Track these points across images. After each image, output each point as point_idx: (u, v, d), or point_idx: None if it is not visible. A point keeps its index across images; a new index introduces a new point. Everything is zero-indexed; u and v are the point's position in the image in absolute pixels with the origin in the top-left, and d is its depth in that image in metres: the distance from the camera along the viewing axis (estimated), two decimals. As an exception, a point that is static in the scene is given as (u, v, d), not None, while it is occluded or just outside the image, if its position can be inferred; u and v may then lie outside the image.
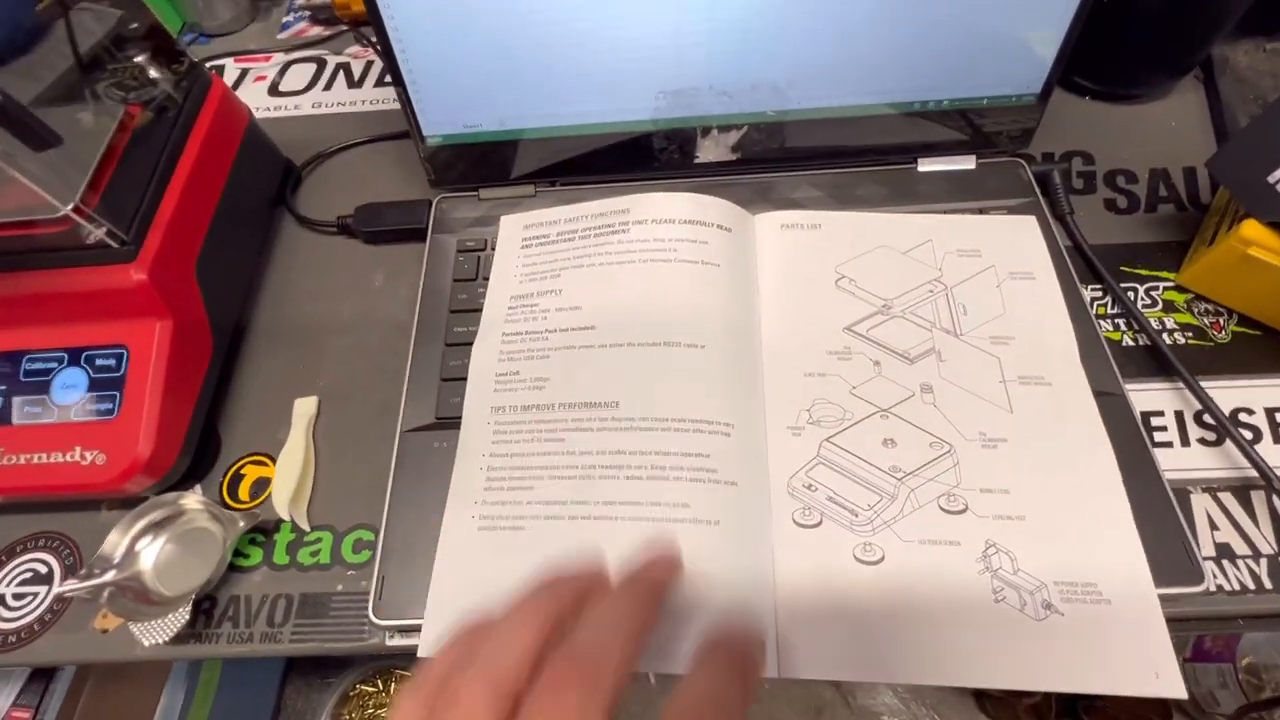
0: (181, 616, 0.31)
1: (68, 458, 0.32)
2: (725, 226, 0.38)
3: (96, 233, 0.32)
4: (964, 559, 0.30)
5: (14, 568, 0.35)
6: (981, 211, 0.40)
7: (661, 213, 0.38)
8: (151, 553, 0.33)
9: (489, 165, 0.42)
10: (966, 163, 0.42)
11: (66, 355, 0.34)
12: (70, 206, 0.30)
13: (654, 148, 0.41)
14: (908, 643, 0.28)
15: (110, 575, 0.32)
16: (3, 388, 0.34)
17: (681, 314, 0.35)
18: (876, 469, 0.32)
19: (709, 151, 0.41)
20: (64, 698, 0.70)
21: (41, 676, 0.69)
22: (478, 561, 0.31)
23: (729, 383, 0.34)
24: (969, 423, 0.33)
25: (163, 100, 0.37)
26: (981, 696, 1.00)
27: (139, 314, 0.33)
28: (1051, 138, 0.43)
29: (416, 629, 0.30)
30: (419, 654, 0.29)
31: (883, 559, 0.30)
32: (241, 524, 0.33)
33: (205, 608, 0.33)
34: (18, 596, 0.34)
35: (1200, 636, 0.93)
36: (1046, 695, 0.89)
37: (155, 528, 0.33)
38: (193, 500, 0.34)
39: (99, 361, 0.34)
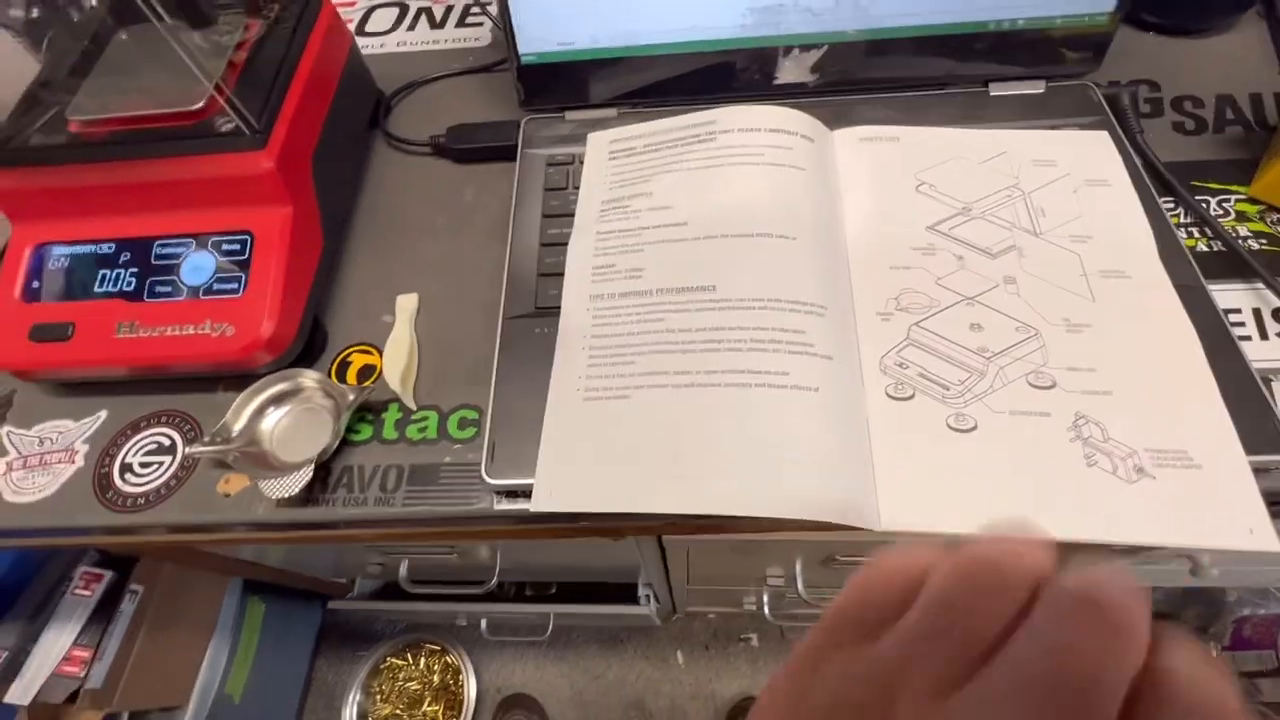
0: (305, 475, 0.33)
1: (198, 330, 0.34)
2: (808, 136, 0.40)
3: (230, 121, 0.35)
4: (1055, 428, 0.31)
5: (140, 439, 0.37)
6: (1054, 129, 0.41)
7: (747, 122, 0.40)
8: (271, 422, 0.35)
9: (574, 88, 0.44)
10: (1037, 86, 0.43)
11: (195, 240, 0.36)
12: (212, 85, 0.33)
13: (735, 68, 0.43)
14: (1004, 501, 0.29)
15: (235, 441, 0.34)
16: (136, 270, 0.36)
17: (771, 210, 0.37)
18: (965, 349, 0.33)
19: (789, 73, 0.43)
20: (121, 640, 0.72)
21: (100, 619, 0.71)
22: (585, 427, 0.32)
23: (820, 270, 0.35)
24: (1053, 310, 0.34)
25: (279, 14, 0.40)
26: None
27: (265, 201, 0.36)
28: (1117, 69, 0.45)
29: (526, 491, 0.32)
30: (531, 509, 0.31)
31: (975, 427, 0.31)
32: (352, 397, 0.35)
33: (320, 476, 0.35)
34: (144, 465, 0.36)
35: (1239, 624, 0.92)
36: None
37: (275, 401, 0.35)
38: (310, 377, 0.36)
39: (225, 246, 0.36)
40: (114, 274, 0.36)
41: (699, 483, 0.30)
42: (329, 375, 0.38)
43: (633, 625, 1.10)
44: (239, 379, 0.37)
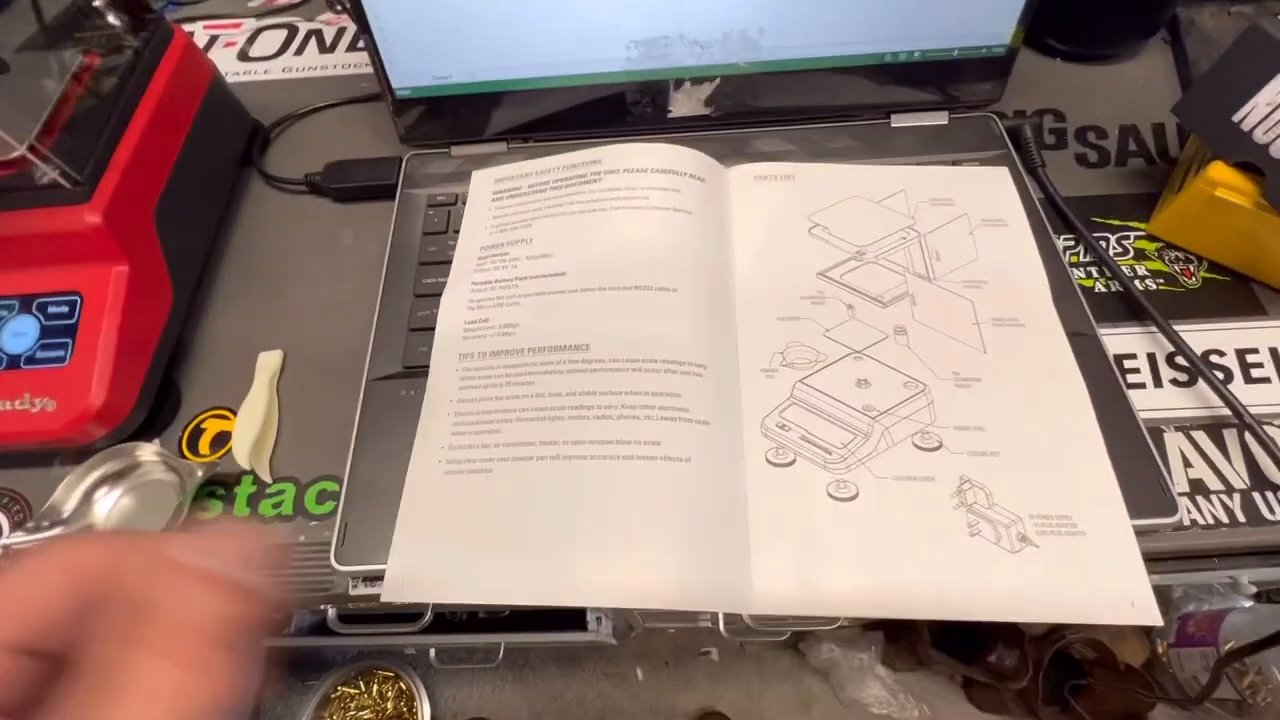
0: None
1: (16, 405, 0.31)
2: (698, 176, 0.38)
3: (50, 173, 0.31)
4: (939, 494, 0.29)
5: (12, 535, 0.33)
6: (954, 164, 0.40)
7: (634, 162, 0.38)
8: (106, 505, 0.32)
9: (459, 122, 0.41)
10: (939, 118, 0.42)
11: (17, 302, 0.33)
12: (25, 145, 0.29)
13: (626, 101, 0.41)
14: (884, 577, 0.28)
15: (61, 529, 0.31)
16: (-51, 336, 0.32)
17: (653, 259, 0.35)
18: (850, 408, 0.31)
19: (682, 106, 0.41)
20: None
21: None
22: (444, 506, 0.30)
23: (701, 325, 0.33)
24: (943, 363, 0.32)
25: (120, 46, 0.36)
26: (969, 685, 1.00)
27: (93, 258, 0.32)
28: (1023, 97, 0.44)
29: (379, 575, 0.29)
30: (382, 599, 0.29)
31: (857, 495, 0.29)
32: (200, 474, 0.32)
33: (161, 561, 0.32)
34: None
35: (1183, 621, 0.93)
36: (1034, 680, 0.89)
37: (110, 480, 0.32)
38: (148, 451, 0.33)
39: (51, 309, 0.33)
40: (-76, 342, 0.32)
41: (559, 571, 0.28)
42: (179, 445, 0.35)
43: (592, 644, 1.08)
44: (77, 453, 0.34)
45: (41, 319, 0.32)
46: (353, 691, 1.05)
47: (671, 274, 0.34)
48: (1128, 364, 0.35)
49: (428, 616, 0.81)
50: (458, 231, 0.39)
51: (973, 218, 0.37)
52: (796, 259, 0.36)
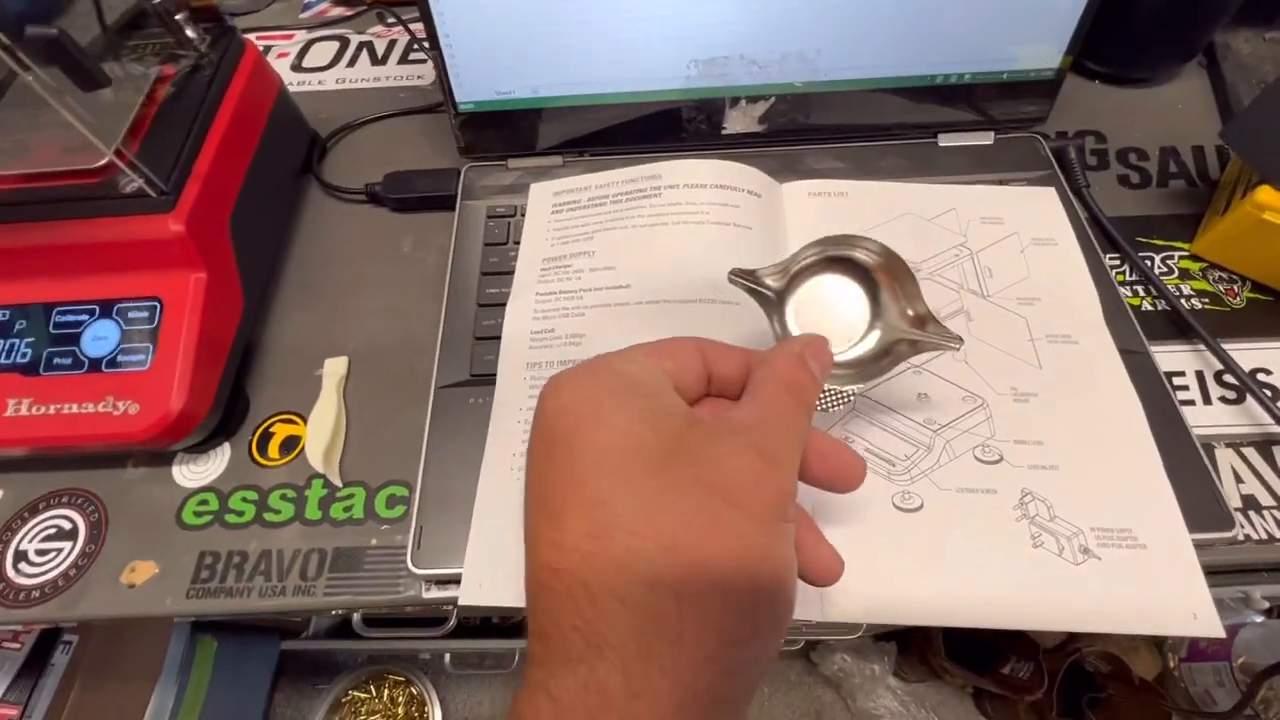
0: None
1: (99, 408, 0.32)
2: (755, 192, 0.39)
3: (135, 182, 0.32)
4: (1002, 505, 0.30)
5: (38, 524, 0.34)
6: (1001, 183, 0.41)
7: (692, 178, 0.39)
8: None
9: (518, 135, 0.42)
10: (985, 138, 0.43)
11: (98, 307, 0.34)
12: (112, 149, 0.30)
13: (682, 118, 0.42)
14: (952, 586, 0.28)
15: None
16: (31, 339, 0.33)
17: (715, 272, 0.35)
18: (913, 421, 0.32)
19: (736, 123, 0.42)
20: (53, 694, 0.68)
21: (30, 672, 0.67)
22: (518, 511, 0.31)
23: (764, 338, 0.34)
24: (1000, 378, 0.33)
25: (198, 60, 0.37)
26: (981, 697, 1.00)
27: (174, 265, 0.33)
28: (1064, 118, 0.45)
29: (455, 579, 0.30)
30: (460, 602, 0.29)
31: (922, 506, 0.30)
32: None
33: (236, 562, 0.32)
34: (41, 553, 0.33)
35: (1195, 637, 0.94)
36: (1048, 693, 0.89)
37: None
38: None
39: (131, 314, 0.33)
40: (6, 344, 0.33)
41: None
42: (250, 449, 0.36)
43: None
44: (150, 455, 0.34)
45: (122, 323, 0.33)
46: (364, 696, 1.05)
47: (733, 288, 0.35)
48: (1177, 381, 0.35)
49: (452, 622, 0.81)
50: (518, 242, 0.40)
51: (1023, 236, 0.38)
52: (853, 274, 0.37)
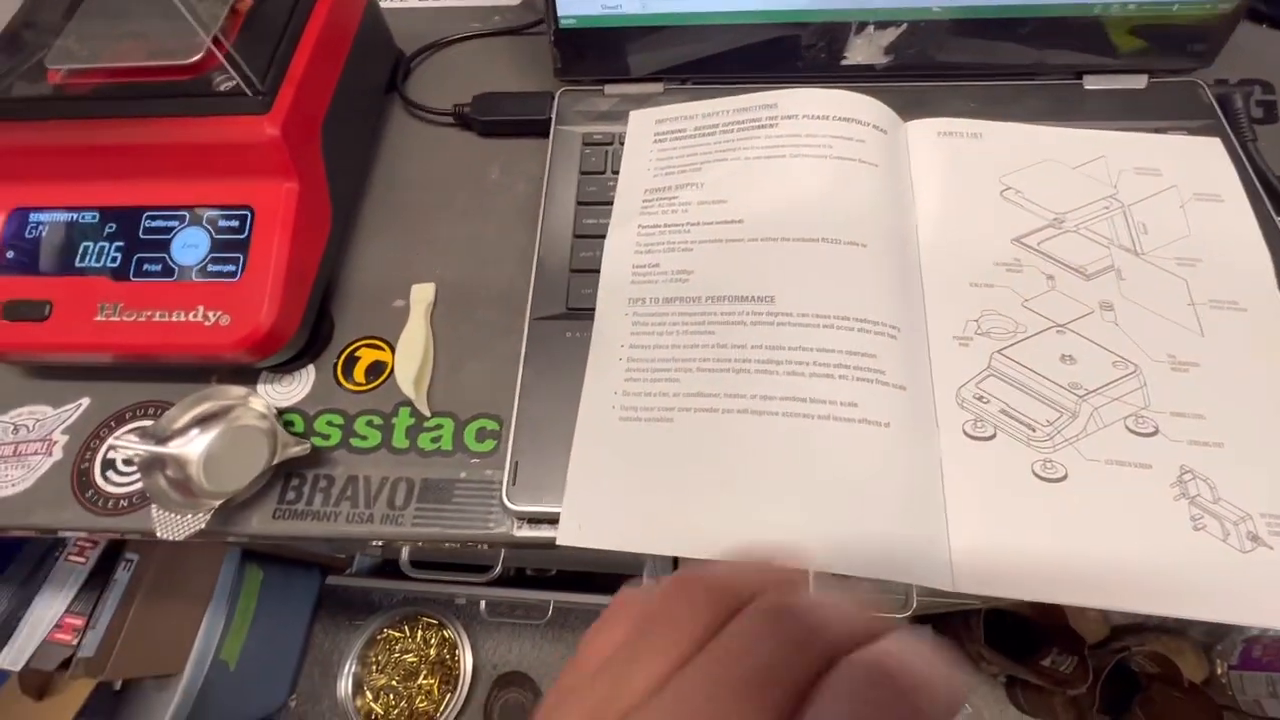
0: (199, 521, 0.29)
1: (190, 317, 0.31)
2: (881, 128, 0.35)
3: (230, 80, 0.30)
4: (1157, 482, 0.27)
5: (125, 433, 0.33)
6: (1156, 132, 0.37)
7: (815, 108, 0.35)
8: (200, 443, 0.31)
9: (618, 57, 0.39)
10: (1137, 81, 0.38)
11: (188, 214, 0.32)
12: (210, 37, 0.28)
13: (800, 44, 0.38)
14: (1095, 564, 0.26)
15: (161, 448, 0.30)
16: (122, 244, 0.32)
17: (840, 211, 0.32)
18: (1055, 384, 0.29)
19: (859, 52, 0.38)
20: (116, 607, 0.70)
21: (95, 585, 0.70)
22: (620, 452, 0.29)
23: (893, 285, 0.31)
24: (1156, 344, 0.30)
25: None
26: (1013, 686, 0.97)
27: (267, 173, 0.32)
28: (1225, 65, 0.40)
29: (549, 518, 0.29)
30: (558, 542, 0.28)
31: (1066, 476, 0.27)
32: (294, 450, 0.30)
33: (323, 485, 0.31)
34: (129, 462, 0.33)
35: (1249, 645, 0.90)
36: (1091, 688, 0.86)
37: (213, 418, 0.31)
38: (258, 404, 0.31)
39: (222, 222, 0.32)
40: (97, 247, 0.32)
41: (749, 530, 0.26)
42: (335, 372, 0.34)
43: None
44: (234, 371, 0.33)
45: (212, 232, 0.32)
46: (398, 635, 1.07)
47: (859, 228, 0.32)
48: (1355, 360, 0.31)
49: (497, 569, 0.81)
50: (616, 172, 0.37)
51: (1183, 190, 0.34)
52: (988, 222, 0.33)
